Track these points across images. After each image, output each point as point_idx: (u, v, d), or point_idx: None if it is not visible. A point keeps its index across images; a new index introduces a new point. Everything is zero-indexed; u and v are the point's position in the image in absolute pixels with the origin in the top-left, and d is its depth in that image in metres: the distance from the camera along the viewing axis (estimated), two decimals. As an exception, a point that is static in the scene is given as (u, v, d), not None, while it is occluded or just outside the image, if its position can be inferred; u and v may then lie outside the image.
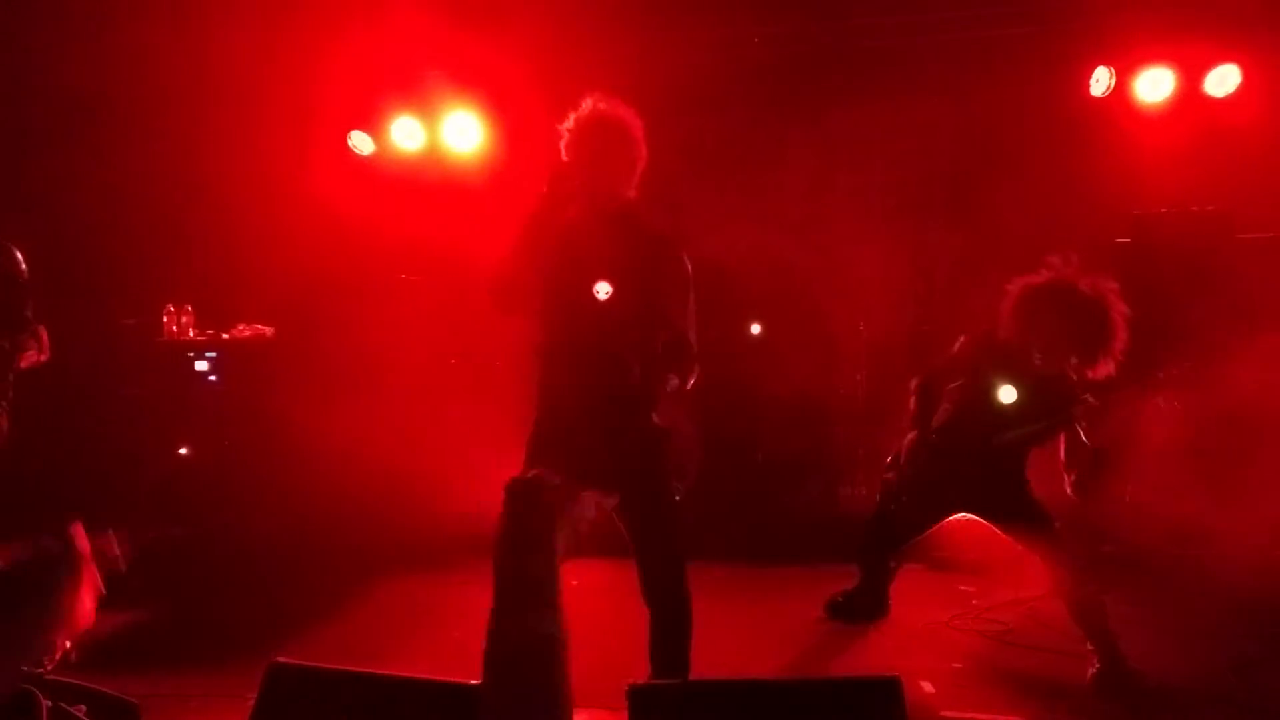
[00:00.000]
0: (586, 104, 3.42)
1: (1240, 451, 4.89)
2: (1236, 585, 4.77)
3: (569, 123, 3.42)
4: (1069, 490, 4.12)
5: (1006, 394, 4.10)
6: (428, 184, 6.99)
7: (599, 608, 4.89)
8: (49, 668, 4.01)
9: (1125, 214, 6.09)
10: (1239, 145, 6.09)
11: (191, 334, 6.81)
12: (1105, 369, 4.00)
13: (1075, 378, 4.09)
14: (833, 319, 6.94)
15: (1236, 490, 4.79)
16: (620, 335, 3.38)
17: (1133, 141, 6.35)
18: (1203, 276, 5.39)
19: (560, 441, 3.42)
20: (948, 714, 3.80)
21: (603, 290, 3.28)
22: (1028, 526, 4.16)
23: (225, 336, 6.80)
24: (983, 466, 4.23)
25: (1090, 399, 4.01)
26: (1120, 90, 6.51)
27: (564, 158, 3.41)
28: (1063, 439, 4.12)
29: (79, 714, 1.65)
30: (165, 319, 6.77)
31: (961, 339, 4.39)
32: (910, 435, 4.42)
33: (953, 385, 4.37)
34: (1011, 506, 4.20)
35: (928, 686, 4.05)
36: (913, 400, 4.42)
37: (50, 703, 1.54)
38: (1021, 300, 4.15)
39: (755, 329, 7.16)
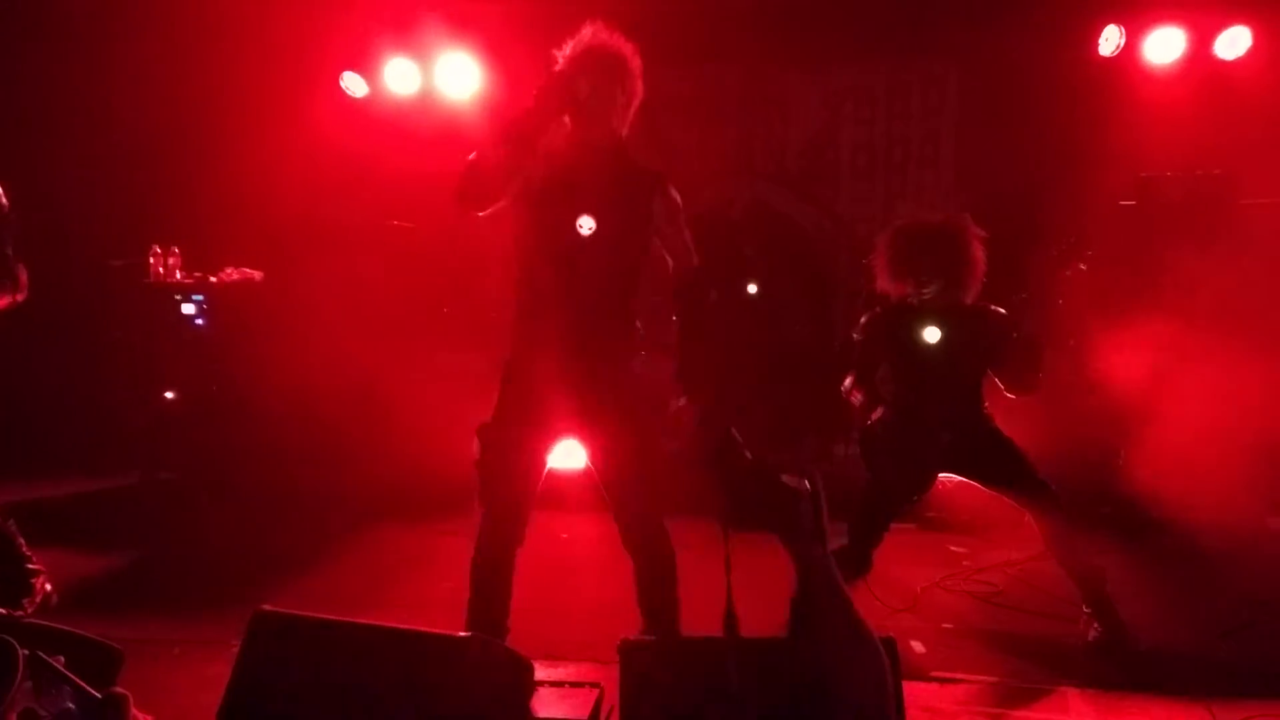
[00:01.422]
0: (586, 31, 3.29)
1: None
2: (1229, 550, 4.77)
3: (566, 49, 3.29)
4: (1007, 392, 4.17)
5: (930, 334, 4.12)
6: (422, 128, 6.85)
7: (591, 560, 4.86)
8: (29, 610, 3.97)
9: (1132, 176, 5.99)
10: (1248, 109, 6.00)
11: (178, 276, 6.69)
12: (976, 285, 4.12)
13: (969, 298, 4.17)
14: (832, 276, 6.87)
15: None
16: (604, 274, 3.29)
17: (1141, 103, 6.25)
18: (1206, 240, 5.33)
19: (535, 386, 3.35)
20: (939, 674, 3.79)
21: (586, 225, 3.18)
22: (1014, 479, 4.09)
23: (213, 280, 6.69)
24: (953, 421, 4.18)
25: (999, 309, 4.18)
26: (1129, 50, 6.39)
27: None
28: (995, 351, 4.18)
29: (57, 664, 1.58)
30: (152, 260, 6.65)
31: (862, 322, 4.36)
32: (873, 417, 4.36)
33: (882, 372, 4.37)
34: (994, 458, 4.14)
35: (918, 647, 4.04)
36: (856, 395, 4.35)
37: (28, 651, 1.47)
38: (886, 252, 4.23)
39: (752, 288, 7.07)
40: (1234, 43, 6.30)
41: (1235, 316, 4.95)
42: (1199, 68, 6.36)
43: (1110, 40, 6.41)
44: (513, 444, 3.39)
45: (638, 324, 3.46)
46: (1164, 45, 6.37)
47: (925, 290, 4.13)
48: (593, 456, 3.46)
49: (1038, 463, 4.11)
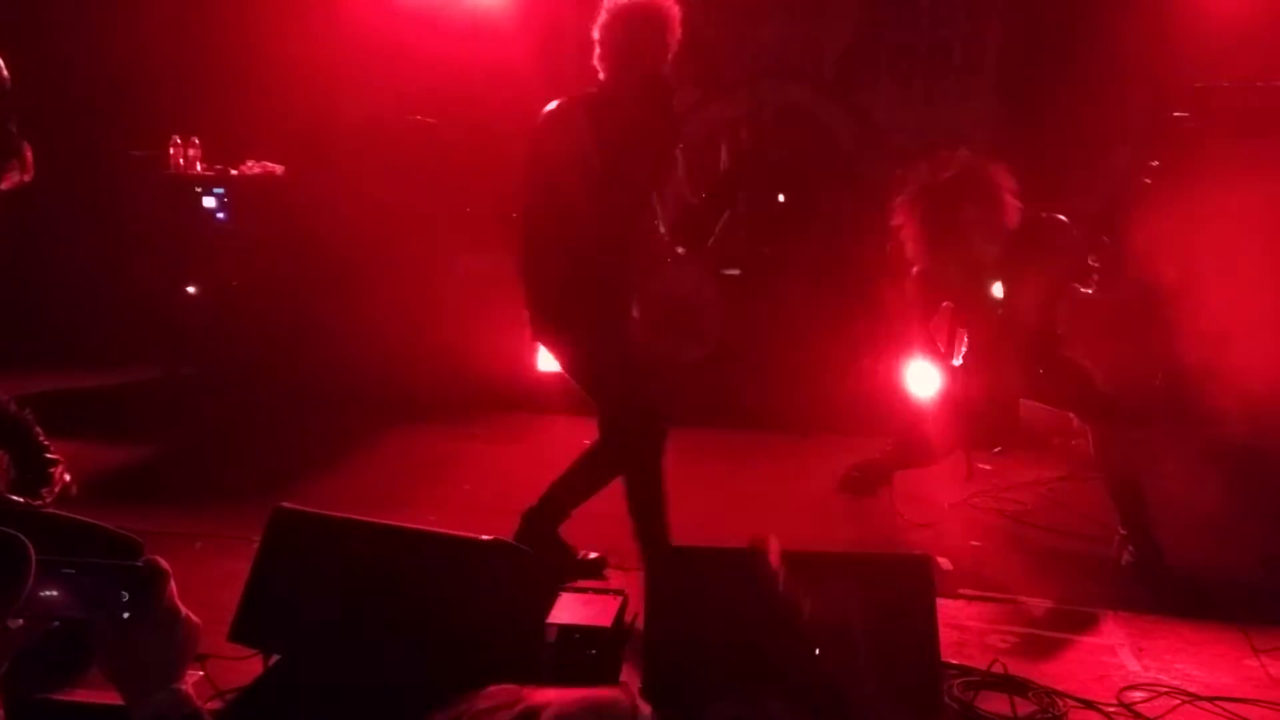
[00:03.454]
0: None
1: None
2: (1268, 475, 4.65)
3: (602, 15, 3.54)
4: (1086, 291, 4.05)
5: (996, 289, 3.93)
6: (451, 21, 6.63)
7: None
8: (47, 500, 3.95)
9: (1185, 87, 5.72)
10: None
11: (199, 168, 6.55)
12: (1014, 215, 3.83)
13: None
14: (865, 185, 6.64)
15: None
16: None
17: (1197, 9, 5.94)
18: (1264, 155, 5.09)
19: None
20: (966, 592, 3.74)
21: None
22: (1079, 397, 3.98)
23: (234, 173, 6.55)
24: (1027, 356, 4.02)
25: (1057, 218, 3.96)
26: (1190, -48, 6.06)
27: (597, 47, 3.56)
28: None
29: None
30: (172, 151, 6.50)
31: (914, 274, 4.09)
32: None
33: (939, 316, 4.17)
34: (1062, 378, 4.01)
35: (946, 564, 3.97)
36: (912, 344, 4.19)
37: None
38: (916, 229, 3.94)
39: (781, 197, 6.86)
40: (1301, -55, 5.96)
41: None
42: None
43: (1170, -58, 6.07)
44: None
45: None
46: (1225, -54, 6.03)
47: (979, 247, 3.86)
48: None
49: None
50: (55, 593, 1.25)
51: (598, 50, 3.58)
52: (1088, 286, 3.96)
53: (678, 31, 3.56)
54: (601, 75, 3.59)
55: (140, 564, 1.33)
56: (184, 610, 1.35)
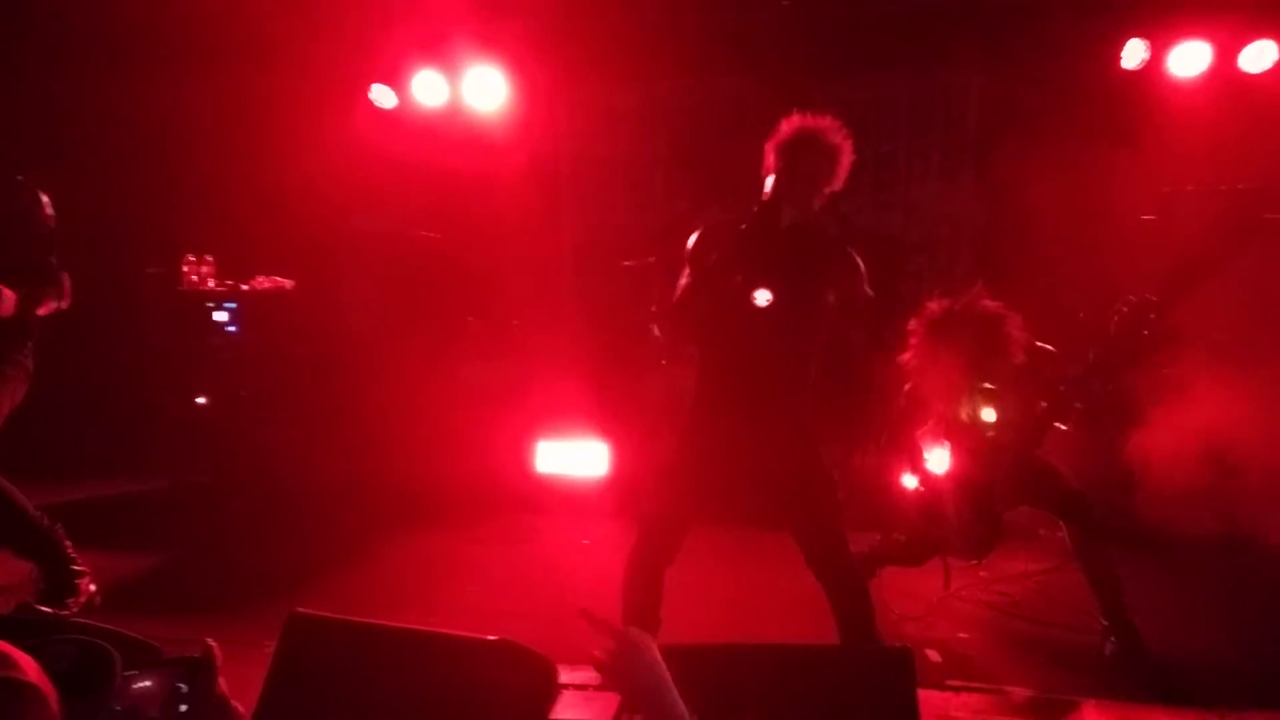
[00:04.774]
0: (806, 117, 3.53)
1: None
2: (1244, 564, 4.78)
3: (785, 128, 3.52)
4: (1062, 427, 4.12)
5: (987, 414, 4.09)
6: (450, 140, 6.97)
7: (612, 565, 4.92)
8: (74, 610, 4.09)
9: (1153, 191, 6.00)
10: (1274, 123, 5.98)
11: (211, 284, 6.82)
12: (1018, 354, 4.00)
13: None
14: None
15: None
16: (778, 340, 3.53)
17: (1165, 117, 6.24)
18: (1230, 257, 5.32)
19: (714, 445, 3.59)
20: (953, 683, 3.83)
21: (762, 297, 3.43)
22: (1052, 495, 4.14)
23: (244, 288, 6.81)
24: (1010, 469, 4.18)
25: (1046, 350, 4.10)
26: (1154, 64, 6.39)
27: (769, 160, 3.52)
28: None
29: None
30: (185, 269, 6.78)
31: (905, 390, 4.27)
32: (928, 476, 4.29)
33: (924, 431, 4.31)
34: (1036, 481, 4.17)
35: (934, 655, 4.09)
36: (896, 459, 4.36)
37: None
38: (912, 357, 4.15)
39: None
40: (1260, 56, 6.29)
41: (1261, 334, 4.95)
42: (1224, 81, 6.35)
43: (1134, 53, 6.42)
44: (683, 494, 3.66)
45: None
46: (1189, 58, 6.36)
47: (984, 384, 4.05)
48: (780, 504, 3.66)
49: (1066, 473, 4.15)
50: (132, 694, 1.35)
51: (768, 161, 3.53)
52: (1067, 423, 4.11)
53: (848, 162, 3.52)
54: (767, 191, 3.51)
55: (200, 654, 1.42)
56: (232, 701, 1.45)
